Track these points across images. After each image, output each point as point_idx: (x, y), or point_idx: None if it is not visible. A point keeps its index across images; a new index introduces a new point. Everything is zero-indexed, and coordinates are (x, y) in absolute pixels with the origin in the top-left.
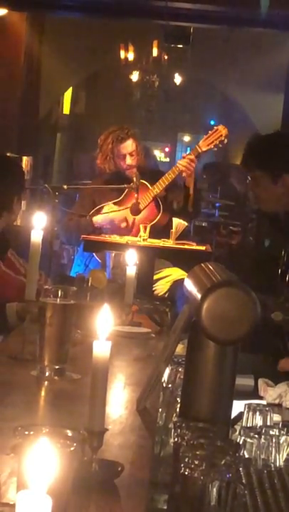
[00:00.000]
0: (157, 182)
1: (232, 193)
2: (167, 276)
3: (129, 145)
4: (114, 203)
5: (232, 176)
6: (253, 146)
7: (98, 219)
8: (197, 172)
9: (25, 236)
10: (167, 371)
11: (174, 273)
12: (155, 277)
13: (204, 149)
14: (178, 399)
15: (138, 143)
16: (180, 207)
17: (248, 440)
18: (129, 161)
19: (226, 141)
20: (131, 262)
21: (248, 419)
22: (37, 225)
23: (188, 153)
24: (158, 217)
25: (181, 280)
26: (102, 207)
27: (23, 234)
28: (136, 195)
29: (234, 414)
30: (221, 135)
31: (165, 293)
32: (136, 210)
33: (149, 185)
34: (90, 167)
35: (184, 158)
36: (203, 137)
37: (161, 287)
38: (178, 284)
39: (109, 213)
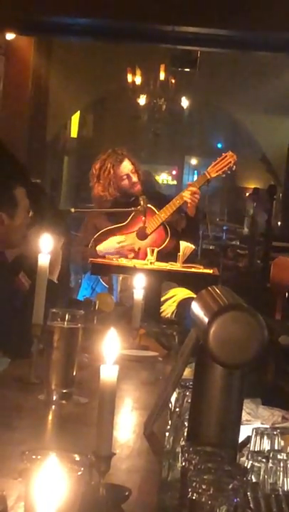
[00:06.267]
0: (164, 207)
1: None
2: (173, 297)
3: (127, 164)
4: (120, 228)
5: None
6: None
7: (102, 248)
8: (206, 197)
9: (34, 259)
10: (175, 395)
11: (179, 293)
12: (162, 299)
13: (213, 175)
14: (185, 423)
15: (134, 160)
16: (183, 232)
17: (256, 464)
18: (133, 178)
19: (234, 167)
20: (138, 285)
21: (255, 443)
22: (44, 249)
23: (193, 181)
24: (166, 241)
25: (187, 299)
26: (105, 231)
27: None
28: (143, 218)
29: (242, 438)
30: (230, 162)
31: (172, 313)
32: (143, 235)
33: (156, 210)
34: None
35: (187, 188)
36: (210, 161)
37: (168, 308)
38: (184, 303)
39: (114, 243)
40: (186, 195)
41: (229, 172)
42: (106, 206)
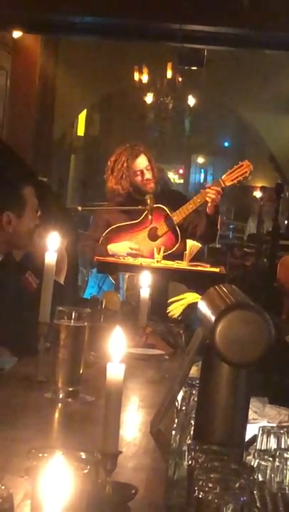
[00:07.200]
0: (177, 211)
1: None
2: (182, 300)
3: (143, 160)
4: (132, 225)
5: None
6: None
7: (113, 248)
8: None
9: (42, 259)
10: (181, 393)
11: (189, 296)
12: (170, 301)
13: (228, 184)
14: (192, 421)
15: (150, 156)
16: (201, 233)
17: (262, 463)
18: (147, 175)
19: (250, 177)
20: (145, 283)
21: (262, 441)
22: (51, 247)
23: (211, 184)
24: (176, 246)
25: (196, 303)
26: (116, 228)
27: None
28: (150, 217)
29: (248, 436)
30: (246, 171)
31: (179, 315)
32: (154, 235)
33: (168, 211)
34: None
35: (209, 188)
36: (217, 159)
37: (175, 310)
38: (192, 307)
39: (126, 248)
40: (212, 195)
41: (244, 182)
42: (119, 200)
